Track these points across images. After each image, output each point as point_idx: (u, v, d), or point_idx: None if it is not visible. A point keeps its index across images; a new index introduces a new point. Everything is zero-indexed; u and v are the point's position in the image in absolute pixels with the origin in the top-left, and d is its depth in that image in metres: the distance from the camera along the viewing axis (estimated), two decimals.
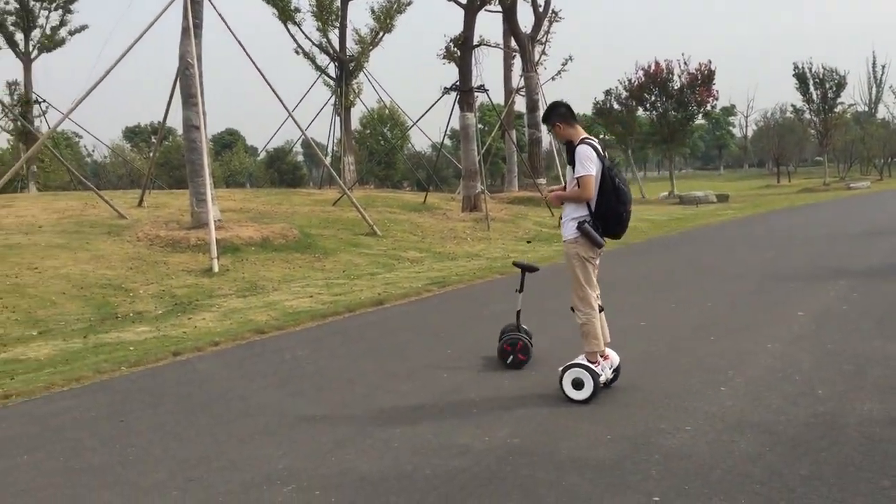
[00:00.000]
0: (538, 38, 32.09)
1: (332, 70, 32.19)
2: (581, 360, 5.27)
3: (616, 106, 43.47)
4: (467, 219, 21.04)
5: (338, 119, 32.83)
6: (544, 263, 12.22)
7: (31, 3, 30.53)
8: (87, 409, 5.65)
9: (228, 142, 74.37)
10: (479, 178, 22.67)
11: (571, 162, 5.26)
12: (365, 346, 7.55)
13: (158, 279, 11.60)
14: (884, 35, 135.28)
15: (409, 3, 31.94)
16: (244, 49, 16.80)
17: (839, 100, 49.10)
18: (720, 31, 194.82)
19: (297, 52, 31.49)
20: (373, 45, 32.10)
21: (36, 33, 31.13)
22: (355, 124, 47.34)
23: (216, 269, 12.24)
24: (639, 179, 52.71)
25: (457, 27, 24.03)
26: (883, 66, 72.25)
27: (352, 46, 31.91)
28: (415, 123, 30.93)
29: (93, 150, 62.41)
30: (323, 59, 32.01)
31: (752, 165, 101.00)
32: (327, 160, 29.28)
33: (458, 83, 23.04)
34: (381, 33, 31.90)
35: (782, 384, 5.33)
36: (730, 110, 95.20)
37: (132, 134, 74.65)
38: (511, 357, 6.17)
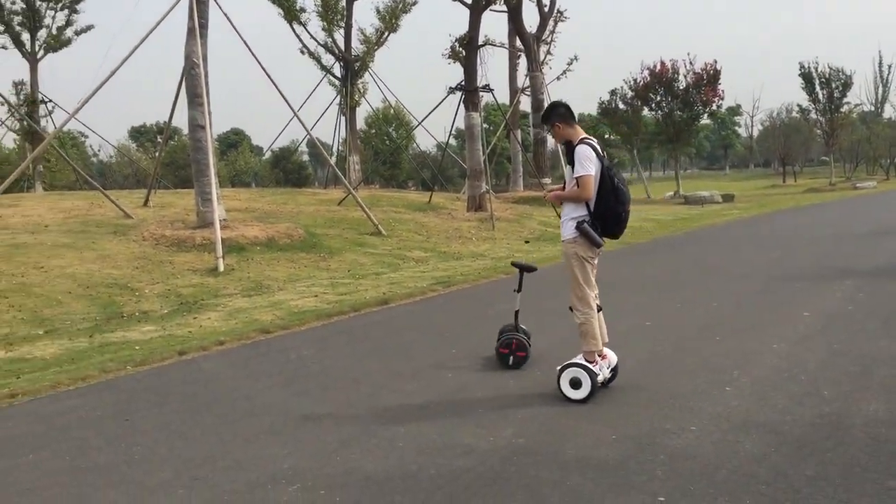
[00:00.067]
0: (543, 37, 32.03)
1: (337, 70, 32.19)
2: (579, 359, 5.28)
3: (621, 106, 43.41)
4: (472, 218, 21.03)
5: (343, 119, 32.82)
6: (548, 263, 12.23)
7: (38, 3, 30.59)
8: (93, 408, 5.67)
9: (234, 141, 74.46)
10: (484, 177, 22.65)
11: (571, 162, 5.28)
12: (370, 345, 7.56)
13: (164, 279, 11.63)
14: (886, 35, 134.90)
15: (414, 3, 31.90)
16: (250, 49, 16.83)
17: (845, 99, 49.01)
18: (721, 31, 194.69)
19: (302, 52, 31.51)
20: (378, 45, 32.07)
21: (42, 33, 31.18)
22: (360, 124, 47.25)
23: (221, 268, 12.26)
24: (644, 179, 52.68)
25: (462, 27, 24.00)
26: (889, 66, 72.03)
27: (357, 46, 31.89)
28: (420, 123, 31.03)
29: (99, 150, 62.79)
30: (328, 59, 32.03)
31: (757, 165, 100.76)
32: (332, 160, 29.28)
33: (463, 83, 23.04)
34: (386, 33, 31.87)
35: (788, 384, 5.31)
36: (735, 110, 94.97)
37: (138, 133, 74.80)
38: (511, 357, 6.18)
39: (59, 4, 31.25)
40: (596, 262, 5.42)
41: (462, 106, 23.10)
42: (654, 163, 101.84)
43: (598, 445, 4.32)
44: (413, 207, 22.18)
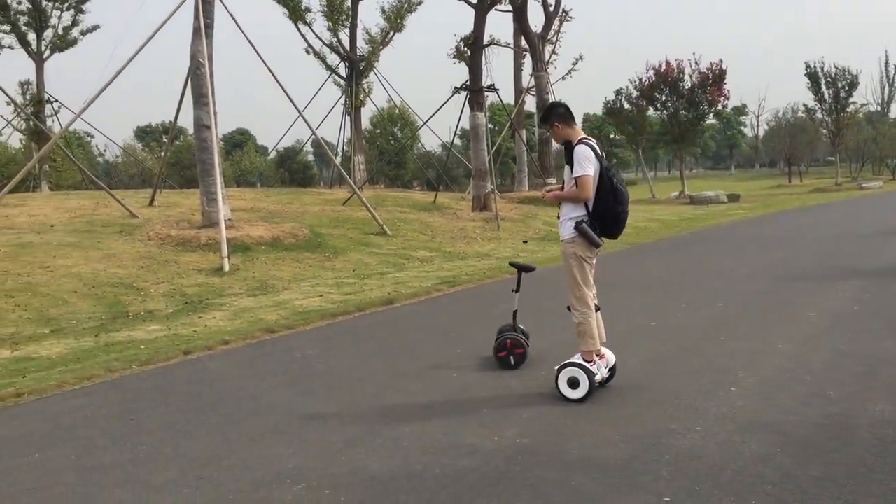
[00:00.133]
0: (548, 37, 32.01)
1: (342, 70, 32.25)
2: (577, 359, 5.29)
3: (627, 105, 43.33)
4: (477, 218, 21.03)
5: (348, 119, 32.89)
6: (552, 264, 12.22)
7: (44, 3, 30.67)
8: (99, 407, 5.68)
9: (239, 141, 74.58)
10: (489, 177, 22.65)
11: (570, 162, 5.29)
12: (375, 345, 7.56)
13: (169, 278, 11.65)
14: (889, 34, 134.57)
15: (419, 3, 31.94)
16: (255, 49, 16.86)
17: (851, 99, 48.86)
18: (722, 30, 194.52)
19: (307, 52, 31.57)
20: (383, 45, 32.12)
21: (48, 33, 31.27)
22: (365, 124, 47.38)
23: (227, 268, 12.28)
24: (649, 179, 52.51)
25: (467, 27, 24.07)
26: None
27: (362, 46, 31.97)
28: (425, 123, 30.91)
29: (104, 150, 62.85)
30: (333, 59, 32.08)
31: (763, 165, 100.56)
32: (337, 160, 29.33)
33: (468, 83, 23.03)
34: (391, 33, 31.92)
35: (793, 385, 5.30)
36: (741, 110, 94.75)
37: (143, 133, 75.00)
38: (511, 357, 6.19)
39: (65, 4, 31.33)
40: (594, 262, 5.44)
41: (467, 106, 23.10)
42: (660, 163, 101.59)
43: (602, 445, 4.32)
44: (418, 207, 22.18)
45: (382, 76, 37.67)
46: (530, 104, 36.54)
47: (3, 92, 18.80)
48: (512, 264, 6.57)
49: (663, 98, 40.72)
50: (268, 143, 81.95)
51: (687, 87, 39.77)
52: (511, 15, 30.76)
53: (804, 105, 56.02)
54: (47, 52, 31.41)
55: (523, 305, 6.41)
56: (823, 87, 47.97)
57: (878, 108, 73.52)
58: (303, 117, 19.44)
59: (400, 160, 53.43)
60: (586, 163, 5.15)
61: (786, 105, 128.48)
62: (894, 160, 63.37)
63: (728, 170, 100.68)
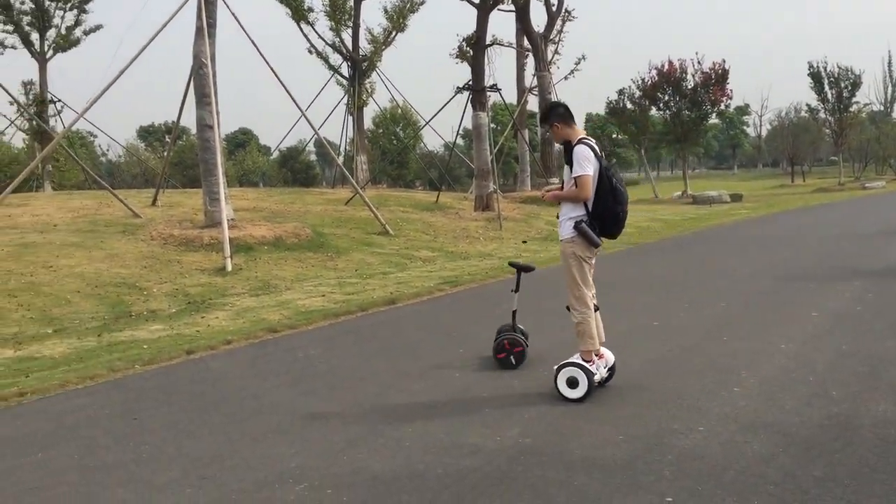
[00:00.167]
0: (551, 37, 32.00)
1: (344, 69, 32.23)
2: (576, 358, 5.30)
3: (629, 105, 43.30)
4: (480, 218, 21.03)
5: (350, 118, 32.87)
6: (553, 263, 12.19)
7: (47, 3, 30.72)
8: (101, 406, 5.69)
9: (242, 141, 74.65)
10: (491, 177, 22.64)
11: (569, 162, 5.31)
12: (377, 345, 7.56)
13: (172, 278, 11.66)
14: (891, 34, 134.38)
15: (422, 3, 31.91)
16: (258, 49, 16.87)
17: (854, 99, 48.78)
18: (723, 30, 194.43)
19: (310, 52, 31.54)
20: (386, 45, 32.10)
21: (51, 33, 31.32)
22: (368, 124, 47.41)
23: (229, 268, 12.29)
24: (652, 179, 52.45)
25: (470, 27, 23.99)
26: None
27: (365, 46, 31.95)
28: (427, 123, 31.08)
29: (107, 150, 62.96)
30: (336, 59, 32.06)
31: (766, 165, 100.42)
32: (340, 159, 29.34)
33: (470, 82, 23.02)
34: (394, 33, 31.89)
35: (796, 385, 5.30)
36: (744, 109, 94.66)
37: (146, 133, 75.05)
38: (512, 357, 6.20)
39: (68, 4, 31.37)
40: (594, 261, 5.45)
41: (469, 106, 23.09)
42: (662, 162, 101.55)
43: (604, 445, 4.32)
44: (420, 207, 22.19)
45: (385, 76, 37.72)
46: (533, 104, 36.52)
47: (7, 92, 18.80)
48: (511, 264, 6.59)
49: (666, 98, 40.69)
50: (270, 142, 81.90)
51: (690, 87, 39.73)
52: (514, 15, 30.79)
53: (807, 105, 56.01)
54: (50, 52, 31.47)
55: (524, 305, 6.41)
56: (826, 87, 47.88)
57: (881, 108, 73.41)
58: (305, 117, 19.45)
59: (402, 160, 53.45)
60: (585, 163, 5.16)
61: (789, 105, 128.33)
62: None
63: (731, 170, 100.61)
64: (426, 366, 6.42)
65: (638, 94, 42.12)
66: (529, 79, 33.60)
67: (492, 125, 25.21)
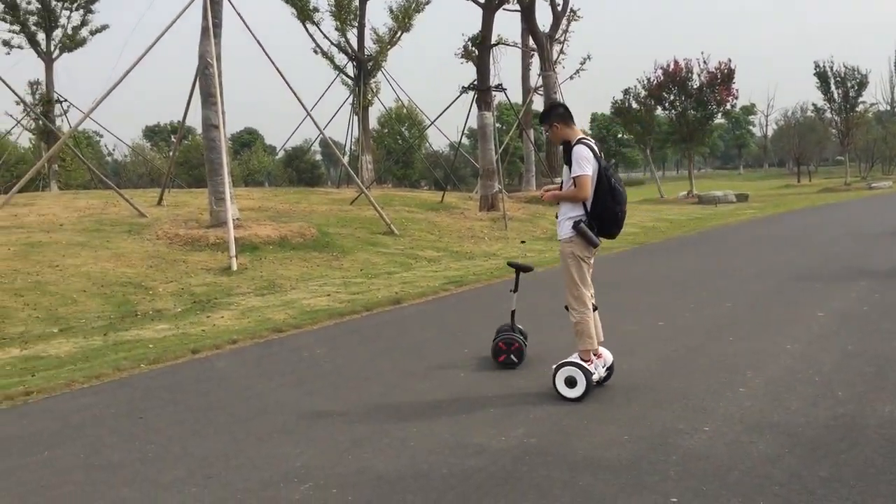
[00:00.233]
0: (556, 36, 31.94)
1: (350, 69, 32.25)
2: (574, 358, 5.31)
3: (635, 105, 43.22)
4: (485, 218, 21.03)
5: (356, 118, 32.88)
6: (556, 263, 12.17)
7: (53, 3, 30.80)
8: (107, 405, 5.71)
9: (247, 141, 74.75)
10: (496, 177, 22.64)
11: (568, 162, 5.33)
12: (382, 345, 7.57)
13: (178, 277, 11.69)
14: (890, 34, 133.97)
15: (427, 3, 31.88)
16: (263, 48, 16.89)
17: (861, 99, 48.64)
18: (723, 30, 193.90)
19: (315, 52, 31.59)
20: (391, 45, 32.09)
21: (57, 33, 31.35)
22: (373, 123, 47.36)
23: (235, 267, 12.31)
24: (657, 179, 52.37)
25: (475, 26, 23.96)
26: None
27: (370, 46, 31.94)
28: (432, 123, 31.03)
29: (113, 150, 63.17)
30: (341, 59, 32.09)
31: (772, 165, 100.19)
32: (345, 159, 29.33)
33: (475, 82, 23.03)
34: (399, 33, 31.88)
35: (802, 385, 5.28)
36: (750, 109, 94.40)
37: (152, 133, 75.29)
38: (512, 357, 6.21)
39: (75, 4, 31.42)
40: (592, 261, 5.46)
41: (475, 105, 23.10)
42: (668, 162, 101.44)
43: (609, 445, 4.31)
44: (425, 207, 22.19)
45: (390, 76, 37.75)
46: (538, 104, 36.44)
47: (13, 91, 18.87)
48: (510, 264, 6.61)
49: (671, 97, 40.56)
50: (276, 142, 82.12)
51: (695, 87, 39.60)
52: (519, 14, 30.70)
53: (813, 105, 55.90)
54: (56, 52, 31.52)
55: (524, 305, 6.41)
56: (832, 87, 47.75)
57: (888, 108, 73.18)
58: (311, 117, 19.48)
59: (407, 160, 53.50)
60: (584, 163, 5.18)
61: (795, 104, 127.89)
62: None
63: (737, 169, 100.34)
64: (431, 366, 6.43)
65: (643, 93, 42.05)
66: (535, 78, 33.52)
67: (497, 125, 25.18)
